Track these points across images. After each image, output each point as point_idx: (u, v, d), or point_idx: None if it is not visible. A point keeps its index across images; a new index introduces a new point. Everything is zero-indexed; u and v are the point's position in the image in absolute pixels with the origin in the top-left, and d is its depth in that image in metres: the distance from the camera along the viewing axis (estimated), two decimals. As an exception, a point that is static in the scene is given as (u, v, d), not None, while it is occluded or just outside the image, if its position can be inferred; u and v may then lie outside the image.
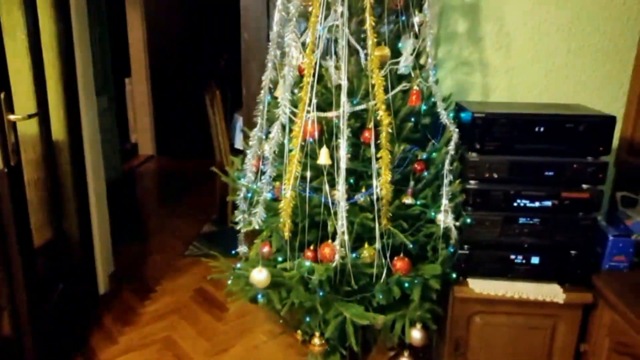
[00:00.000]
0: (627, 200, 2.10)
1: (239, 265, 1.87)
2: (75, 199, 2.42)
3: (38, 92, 1.99)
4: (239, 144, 3.70)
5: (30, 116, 1.85)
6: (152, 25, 5.49)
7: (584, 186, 1.71)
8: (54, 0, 2.13)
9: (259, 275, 1.67)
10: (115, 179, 3.74)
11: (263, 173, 1.80)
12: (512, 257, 1.79)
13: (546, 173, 1.70)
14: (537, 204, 1.72)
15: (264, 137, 1.88)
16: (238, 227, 1.98)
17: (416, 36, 1.76)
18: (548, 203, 1.72)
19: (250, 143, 1.93)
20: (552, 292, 1.77)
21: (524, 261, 1.79)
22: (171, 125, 5.99)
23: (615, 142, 2.11)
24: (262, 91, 1.85)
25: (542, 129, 1.67)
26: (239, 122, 3.74)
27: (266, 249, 1.83)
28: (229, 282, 1.87)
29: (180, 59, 5.85)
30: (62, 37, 2.22)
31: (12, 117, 1.73)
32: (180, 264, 3.25)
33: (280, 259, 1.76)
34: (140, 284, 2.98)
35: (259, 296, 1.75)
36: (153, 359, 2.32)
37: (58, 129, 2.23)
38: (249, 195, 1.93)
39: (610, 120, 1.66)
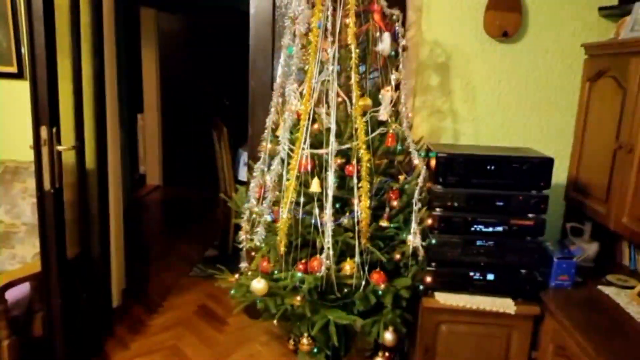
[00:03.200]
0: (575, 230, 2.45)
1: (241, 276, 2.21)
2: (98, 220, 2.75)
3: (77, 127, 2.36)
4: (242, 176, 4.06)
5: (73, 147, 2.22)
6: (164, 65, 5.96)
7: (530, 215, 2.07)
8: (93, 49, 2.53)
9: (258, 285, 2.01)
10: (125, 205, 4.08)
11: (264, 199, 2.16)
12: (471, 274, 2.12)
13: (497, 203, 2.06)
14: (490, 229, 2.08)
15: (266, 169, 2.24)
16: (241, 245, 2.32)
17: (394, 90, 2.15)
18: (500, 228, 2.08)
19: (254, 174, 2.29)
20: (505, 305, 2.10)
21: (481, 277, 2.12)
22: (177, 158, 6.38)
23: (564, 180, 2.49)
24: (266, 131, 2.22)
25: (493, 167, 2.04)
26: (243, 156, 4.11)
27: (265, 264, 2.17)
28: (232, 291, 2.19)
29: (188, 98, 6.30)
30: (96, 79, 2.61)
31: (59, 147, 2.10)
32: (185, 283, 3.56)
33: (276, 271, 2.09)
34: (149, 299, 3.29)
35: (258, 301, 2.06)
36: (161, 363, 2.62)
37: (89, 158, 2.59)
38: (252, 217, 2.27)
39: (549, 161, 2.03)
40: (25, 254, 2.53)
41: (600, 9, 2.39)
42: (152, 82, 5.91)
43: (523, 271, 2.12)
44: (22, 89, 2.66)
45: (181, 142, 6.38)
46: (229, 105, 6.14)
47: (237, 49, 6.17)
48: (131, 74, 5.13)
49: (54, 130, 2.05)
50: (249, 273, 2.24)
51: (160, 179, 6.26)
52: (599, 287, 2.16)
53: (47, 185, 2.06)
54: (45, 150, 2.03)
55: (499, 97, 2.54)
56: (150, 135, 6.09)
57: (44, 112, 2.00)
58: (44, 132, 2.01)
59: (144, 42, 5.76)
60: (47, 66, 1.97)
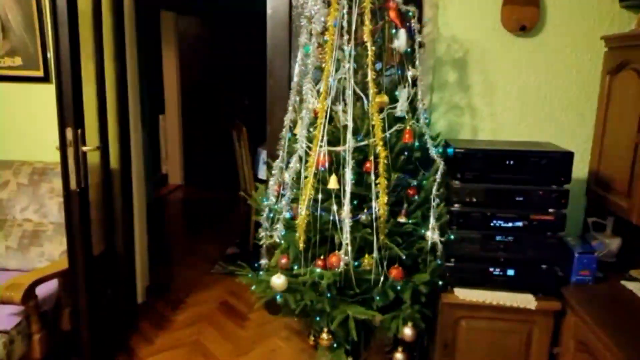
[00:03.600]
0: (596, 225, 2.42)
1: (261, 272, 2.24)
2: (122, 219, 2.83)
3: (101, 128, 2.43)
4: (262, 174, 4.11)
5: (98, 148, 2.29)
6: (184, 67, 6.05)
7: (550, 210, 2.06)
8: (116, 52, 2.60)
9: (278, 280, 2.05)
10: (148, 204, 4.17)
11: (283, 196, 2.19)
12: (491, 269, 2.12)
13: (517, 198, 2.05)
14: (510, 224, 2.07)
15: (284, 167, 2.27)
16: (261, 242, 2.36)
17: (410, 86, 2.16)
18: (519, 223, 2.07)
19: (273, 172, 2.32)
20: (525, 300, 2.09)
21: (501, 273, 2.12)
22: (198, 158, 6.48)
23: (585, 174, 2.47)
24: (284, 129, 2.26)
25: (512, 162, 2.03)
26: (262, 155, 4.16)
27: (284, 260, 2.20)
28: (253, 287, 2.23)
29: (208, 99, 6.38)
30: (119, 82, 2.68)
31: (84, 148, 2.16)
32: (207, 280, 3.62)
33: (295, 266, 2.12)
34: (172, 296, 3.36)
35: (278, 297, 2.10)
36: (184, 357, 2.67)
37: (113, 159, 2.66)
38: (271, 215, 2.31)
39: (569, 156, 2.02)
40: (53, 252, 2.61)
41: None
42: (173, 83, 6.01)
43: (543, 266, 2.10)
44: (48, 92, 2.76)
45: (202, 142, 6.47)
46: (248, 104, 6.20)
47: (255, 50, 6.24)
48: (152, 76, 5.23)
49: (79, 131, 2.11)
50: (269, 269, 2.28)
51: (182, 178, 6.37)
52: (622, 282, 2.14)
53: (73, 185, 2.12)
54: (70, 151, 2.09)
55: (517, 92, 2.52)
56: (172, 135, 6.20)
57: (69, 114, 2.06)
58: (69, 133, 2.08)
59: (165, 45, 5.86)
60: (71, 69, 2.03)
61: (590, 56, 2.44)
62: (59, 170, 2.62)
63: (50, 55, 2.71)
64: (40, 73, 2.73)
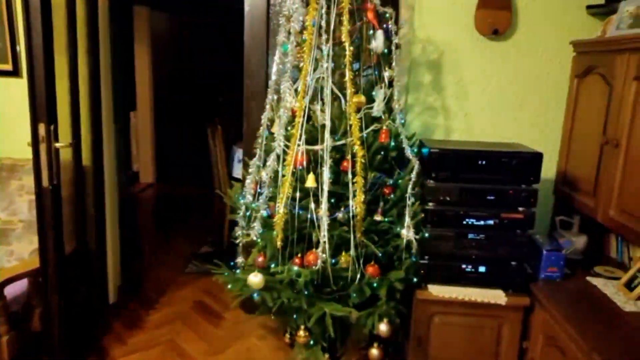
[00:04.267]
0: (564, 223, 2.51)
1: (238, 271, 2.24)
2: (94, 217, 2.78)
3: (74, 124, 2.38)
4: (236, 173, 4.09)
5: (70, 144, 2.24)
6: (157, 63, 5.96)
7: (520, 208, 2.12)
8: (89, 46, 2.55)
9: (255, 279, 2.05)
10: (120, 203, 4.09)
11: (260, 194, 2.19)
12: (464, 266, 2.18)
13: (488, 197, 2.11)
14: (482, 222, 2.13)
15: (261, 165, 2.27)
16: (237, 241, 2.36)
17: (387, 86, 2.19)
18: (491, 222, 2.13)
19: (250, 170, 2.32)
20: (496, 296, 2.15)
21: (473, 270, 2.18)
22: (171, 156, 6.39)
23: (553, 174, 2.55)
24: (261, 127, 2.26)
25: (484, 162, 2.09)
26: (237, 153, 4.14)
27: (261, 259, 2.20)
28: (229, 285, 2.23)
29: (181, 96, 6.30)
30: (92, 77, 2.63)
31: (57, 144, 2.12)
32: (181, 279, 3.59)
33: (273, 265, 2.13)
34: (145, 295, 3.31)
35: (255, 295, 2.10)
36: (158, 357, 2.64)
37: (85, 156, 2.61)
38: (248, 213, 2.31)
39: (538, 156, 2.09)
40: (22, 251, 2.55)
41: (588, 7, 2.45)
42: (145, 79, 5.91)
43: (513, 263, 2.17)
44: (17, 86, 2.69)
45: (174, 140, 6.39)
46: (222, 102, 6.15)
47: (230, 47, 6.19)
48: (124, 71, 5.13)
49: (52, 127, 2.07)
50: (245, 268, 2.28)
51: (154, 176, 6.27)
52: (588, 278, 2.22)
53: (45, 181, 2.08)
54: (43, 147, 2.05)
55: (489, 94, 2.59)
56: (143, 132, 6.09)
57: (42, 109, 2.02)
58: (42, 129, 2.03)
59: (137, 40, 5.76)
60: (44, 63, 1.99)
61: (559, 60, 2.53)
62: (29, 167, 2.57)
63: (21, 48, 2.64)
64: (9, 67, 2.65)
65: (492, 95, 2.60)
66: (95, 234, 2.82)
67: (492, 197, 2.11)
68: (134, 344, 2.76)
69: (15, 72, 2.67)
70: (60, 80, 2.22)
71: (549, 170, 2.54)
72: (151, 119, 6.07)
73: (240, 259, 2.46)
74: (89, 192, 2.71)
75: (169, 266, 3.81)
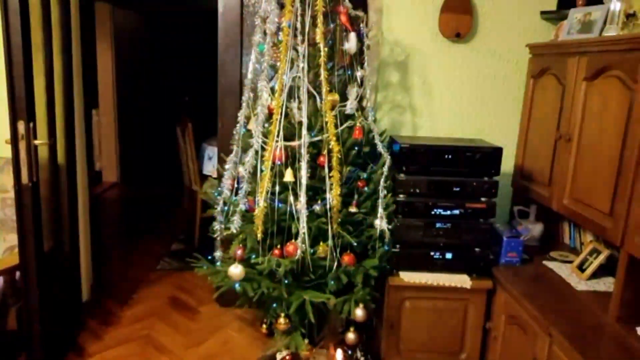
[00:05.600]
0: (521, 212, 2.71)
1: (218, 263, 2.32)
2: (68, 215, 2.78)
3: (50, 122, 2.39)
4: (207, 170, 4.13)
5: (49, 142, 2.25)
6: (120, 61, 5.90)
7: (482, 199, 2.30)
8: (63, 45, 2.56)
9: (236, 270, 2.14)
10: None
11: (238, 190, 2.27)
12: (432, 253, 2.33)
13: (454, 189, 2.27)
14: (448, 212, 2.29)
15: (238, 161, 2.35)
16: (215, 235, 2.43)
17: (359, 86, 2.32)
18: (456, 212, 2.29)
19: (226, 166, 2.39)
20: (461, 280, 2.32)
21: (440, 256, 2.33)
22: (135, 154, 6.33)
23: (512, 168, 2.75)
24: (238, 125, 2.34)
25: (450, 157, 2.25)
26: (207, 150, 4.18)
27: (240, 251, 2.28)
28: (209, 277, 2.30)
29: (146, 94, 6.25)
30: (65, 75, 2.63)
31: (36, 142, 2.13)
32: (153, 276, 3.61)
33: (253, 256, 2.21)
34: (118, 293, 3.32)
35: (237, 285, 2.18)
36: (136, 351, 2.68)
37: (60, 154, 2.61)
38: (226, 208, 2.38)
39: (498, 151, 2.26)
40: (-5, 250, 2.53)
41: (542, 13, 2.65)
42: (108, 77, 5.83)
43: (477, 250, 2.34)
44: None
45: (139, 138, 6.33)
46: (189, 101, 6.15)
47: (196, 46, 6.21)
48: (86, 69, 5.06)
49: (31, 124, 2.08)
50: (224, 261, 2.35)
51: (118, 175, 6.19)
52: (544, 262, 2.42)
53: (25, 179, 2.09)
54: (22, 145, 2.06)
55: (452, 93, 2.76)
56: (106, 131, 6.00)
57: (22, 107, 2.03)
58: (21, 126, 2.05)
59: (99, 37, 5.67)
60: (24, 62, 2.00)
61: (517, 61, 2.72)
62: (2, 164, 2.57)
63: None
64: (-22, 64, 2.62)
65: (455, 94, 2.77)
66: (70, 233, 2.81)
67: (457, 189, 2.27)
68: (110, 339, 2.78)
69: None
70: (36, 78, 2.23)
71: (507, 164, 2.74)
72: (114, 117, 5.99)
73: (218, 253, 2.53)
74: (63, 191, 2.71)
75: (140, 265, 3.82)
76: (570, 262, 2.37)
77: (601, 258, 2.16)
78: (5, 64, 2.01)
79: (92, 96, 5.75)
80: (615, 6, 1.98)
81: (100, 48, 5.72)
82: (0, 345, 2.33)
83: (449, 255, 2.33)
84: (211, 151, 4.08)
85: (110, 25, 5.71)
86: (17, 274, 2.34)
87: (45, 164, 2.41)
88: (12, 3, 1.96)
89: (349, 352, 2.36)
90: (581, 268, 2.23)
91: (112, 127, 6.01)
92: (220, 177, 2.50)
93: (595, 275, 2.19)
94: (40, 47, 2.29)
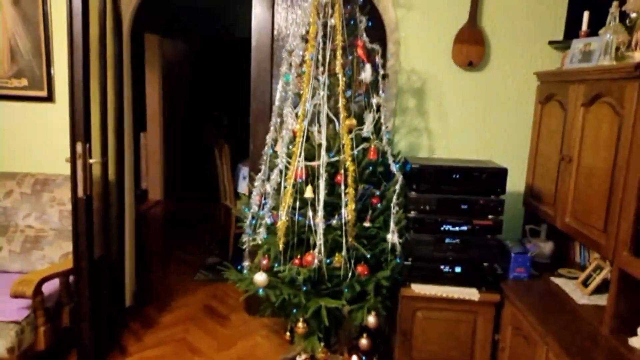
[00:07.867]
0: (532, 231, 2.83)
1: (245, 272, 2.57)
2: (117, 226, 3.10)
3: (103, 143, 2.73)
4: (241, 188, 4.42)
5: (102, 161, 2.58)
6: (166, 87, 6.36)
7: (489, 216, 2.45)
8: (116, 73, 2.91)
9: (260, 277, 2.37)
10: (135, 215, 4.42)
11: (264, 204, 2.52)
12: (442, 267, 2.49)
13: (462, 206, 2.44)
14: (457, 228, 2.46)
15: (266, 179, 2.61)
16: (244, 246, 2.69)
17: (375, 111, 2.54)
18: (465, 228, 2.46)
19: (255, 184, 2.65)
20: (470, 293, 2.47)
21: (450, 270, 2.49)
22: (178, 174, 6.75)
23: (522, 188, 2.89)
24: (266, 146, 2.60)
25: (458, 176, 2.43)
26: (242, 170, 4.48)
27: (265, 261, 2.52)
28: (237, 283, 2.55)
29: (188, 117, 6.70)
30: (117, 101, 2.99)
31: (91, 160, 2.46)
32: (190, 286, 3.90)
33: (276, 265, 2.44)
34: (158, 300, 3.62)
35: (260, 291, 2.41)
36: (173, 352, 2.94)
37: (110, 171, 2.95)
38: (254, 221, 2.64)
39: (504, 171, 2.43)
40: (53, 256, 2.87)
41: (550, 42, 2.82)
42: (155, 102, 6.30)
43: (485, 264, 2.49)
44: (50, 111, 3.04)
45: (182, 159, 6.76)
46: (227, 124, 6.53)
47: (234, 72, 6.62)
48: (135, 94, 5.51)
49: (87, 145, 2.41)
50: (252, 269, 2.60)
51: (162, 194, 6.61)
52: (551, 278, 2.53)
53: (80, 192, 2.41)
54: (79, 163, 2.39)
55: (466, 117, 2.95)
56: (153, 152, 6.45)
57: (80, 130, 2.36)
58: (79, 147, 2.38)
59: (148, 66, 6.16)
60: (83, 89, 2.34)
61: (526, 88, 2.89)
62: (60, 181, 2.93)
63: (53, 75, 2.99)
64: (44, 93, 3.01)
65: (469, 118, 2.95)
66: (118, 242, 3.13)
67: (465, 206, 2.44)
68: (149, 340, 3.06)
69: (49, 98, 3.03)
70: (92, 104, 2.57)
71: (519, 184, 2.88)
72: (160, 139, 6.44)
73: (246, 262, 2.79)
74: (113, 205, 3.04)
75: (178, 275, 4.12)
76: (577, 278, 2.47)
77: (603, 274, 2.27)
78: (69, 92, 2.35)
79: (141, 120, 6.23)
80: (610, 38, 2.14)
81: (149, 75, 6.20)
82: (55, 341, 2.63)
83: (458, 269, 2.49)
84: (246, 171, 4.37)
85: (158, 54, 6.20)
86: (71, 277, 2.65)
87: (97, 180, 2.74)
88: (76, 39, 2.31)
89: (363, 357, 2.53)
90: (585, 283, 2.34)
91: (159, 148, 6.46)
92: (250, 193, 2.77)
93: (599, 290, 2.29)
94: (96, 76, 2.64)
